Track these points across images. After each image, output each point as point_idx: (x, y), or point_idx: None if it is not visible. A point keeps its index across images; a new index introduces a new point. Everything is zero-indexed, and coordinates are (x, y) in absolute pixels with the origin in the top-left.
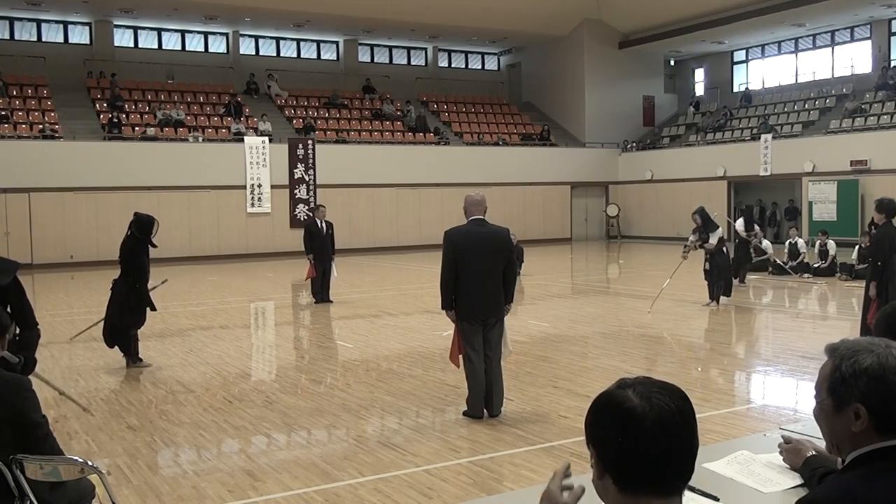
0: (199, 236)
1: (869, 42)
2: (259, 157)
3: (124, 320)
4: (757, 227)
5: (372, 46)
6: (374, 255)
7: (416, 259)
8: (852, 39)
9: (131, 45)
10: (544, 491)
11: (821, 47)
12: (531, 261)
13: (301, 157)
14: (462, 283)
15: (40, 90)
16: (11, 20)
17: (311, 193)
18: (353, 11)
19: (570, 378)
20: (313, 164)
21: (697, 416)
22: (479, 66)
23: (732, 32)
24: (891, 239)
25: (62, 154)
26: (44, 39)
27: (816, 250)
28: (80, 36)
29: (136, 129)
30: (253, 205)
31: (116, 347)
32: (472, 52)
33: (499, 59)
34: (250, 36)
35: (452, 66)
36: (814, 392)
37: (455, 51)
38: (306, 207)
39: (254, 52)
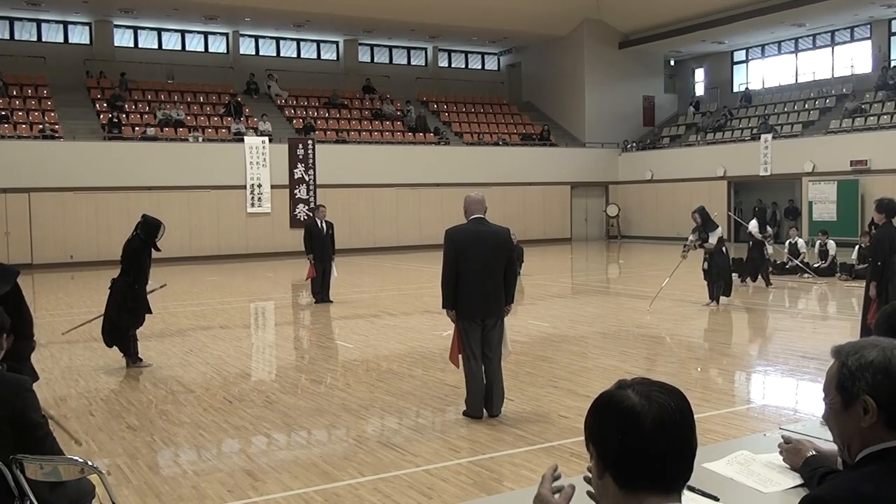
0: (199, 236)
1: (869, 42)
2: (259, 157)
3: (122, 320)
4: (769, 229)
5: (372, 46)
6: (374, 255)
7: (416, 259)
8: (852, 39)
9: (131, 45)
10: (535, 496)
11: (821, 47)
12: (531, 261)
13: (301, 157)
14: (462, 281)
15: (40, 90)
16: (11, 20)
17: (311, 193)
18: (353, 11)
19: (570, 378)
20: (313, 164)
21: (697, 416)
22: (479, 66)
23: (732, 32)
24: (891, 239)
25: (62, 154)
26: (44, 39)
27: (816, 250)
28: (80, 36)
29: (136, 129)
30: (253, 205)
31: (116, 348)
32: (472, 52)
33: (499, 59)
34: (250, 36)
35: (452, 66)
36: (823, 394)
37: (455, 51)
38: (306, 207)
39: (254, 52)
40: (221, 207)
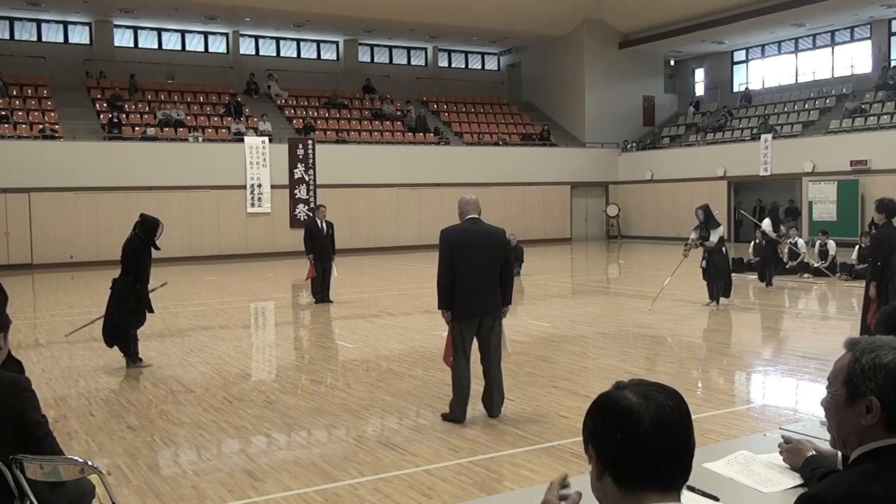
0: (199, 236)
1: (869, 42)
2: (259, 157)
3: (123, 320)
4: (783, 228)
5: (372, 46)
6: (374, 255)
7: (416, 259)
8: (852, 39)
9: (131, 45)
10: (542, 503)
11: (821, 47)
12: (531, 261)
13: (301, 157)
14: (458, 281)
15: (40, 90)
16: (11, 20)
17: (311, 193)
18: (353, 11)
19: (570, 378)
20: (313, 164)
21: (697, 416)
22: (479, 66)
23: (732, 32)
24: (891, 239)
25: (62, 154)
26: (44, 39)
27: (816, 250)
28: (80, 36)
29: (136, 129)
30: (253, 205)
31: (116, 348)
32: (472, 52)
33: (499, 59)
34: (250, 36)
35: (452, 66)
36: (827, 383)
37: (455, 51)
38: (306, 207)
39: (254, 52)
40: (221, 207)
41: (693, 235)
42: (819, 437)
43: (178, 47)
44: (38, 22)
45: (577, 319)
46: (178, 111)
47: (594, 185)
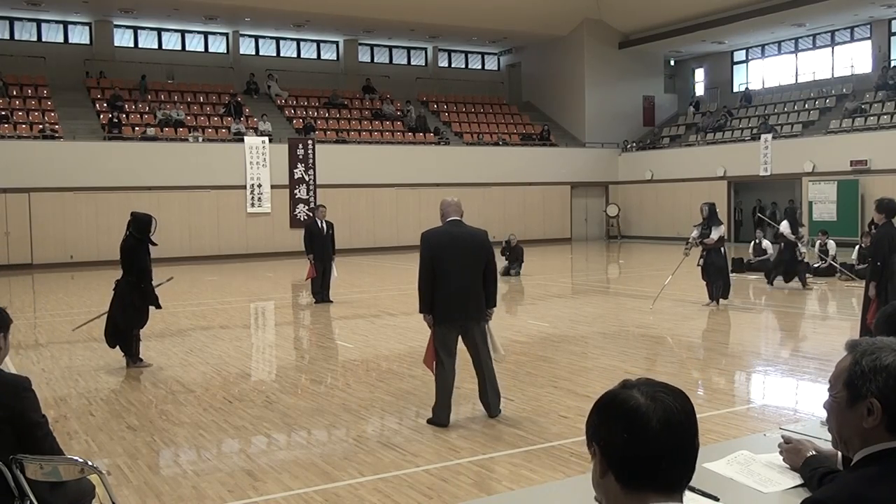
0: (199, 236)
1: (869, 42)
2: (259, 157)
3: (127, 320)
4: (801, 230)
5: (372, 46)
6: (374, 255)
7: (415, 259)
8: (852, 39)
9: (131, 45)
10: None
11: (821, 47)
12: (531, 261)
13: (301, 157)
14: (440, 284)
15: (40, 90)
16: (11, 20)
17: (311, 193)
18: (353, 11)
19: (570, 378)
20: (313, 164)
21: (698, 416)
22: (479, 66)
23: (732, 32)
24: (890, 239)
25: (62, 154)
26: (44, 39)
27: (816, 250)
28: (80, 36)
29: (136, 129)
30: (253, 205)
31: (117, 347)
32: (472, 52)
33: (499, 59)
34: (250, 36)
35: (452, 66)
36: (828, 385)
37: (455, 51)
38: (306, 207)
39: (254, 52)
40: (221, 207)
41: (694, 234)
42: (819, 437)
43: (178, 47)
44: (38, 22)
45: (577, 319)
46: (178, 111)
47: (594, 185)
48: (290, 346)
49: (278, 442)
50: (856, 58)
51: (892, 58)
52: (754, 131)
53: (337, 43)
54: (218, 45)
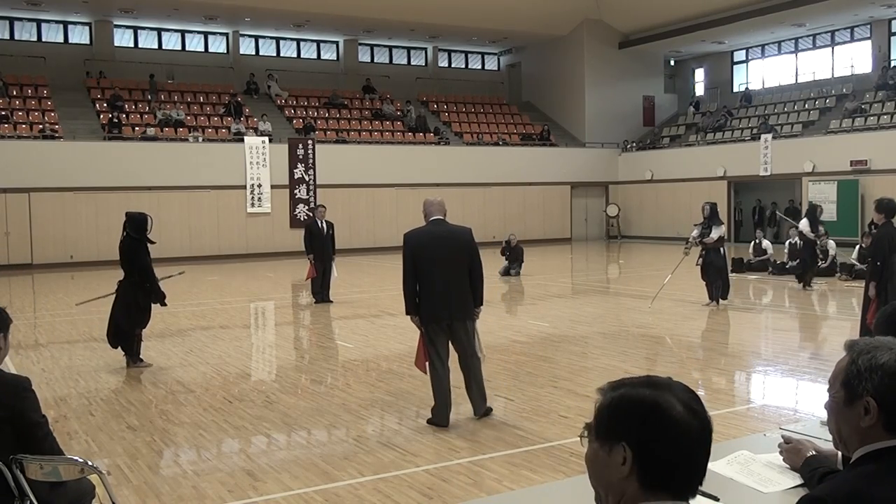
0: (199, 236)
1: (869, 42)
2: (259, 157)
3: (130, 320)
4: (821, 228)
5: (372, 46)
6: (374, 255)
7: None
8: (852, 39)
9: (131, 45)
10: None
11: (821, 47)
12: (531, 261)
13: (301, 157)
14: (423, 284)
15: (40, 90)
16: (11, 20)
17: (311, 193)
18: (353, 11)
19: (570, 378)
20: (313, 164)
21: None
22: (479, 66)
23: (732, 32)
24: (890, 239)
25: (62, 154)
26: (44, 39)
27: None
28: (80, 36)
29: (136, 129)
30: (253, 205)
31: (118, 347)
32: (472, 52)
33: (499, 59)
34: (250, 36)
35: (452, 66)
36: (828, 385)
37: (455, 51)
38: (306, 207)
39: (254, 52)
40: (221, 207)
41: (694, 233)
42: (819, 437)
43: (178, 47)
44: (38, 22)
45: (577, 319)
46: (178, 111)
47: (594, 185)
48: (290, 346)
49: (278, 442)
50: (856, 58)
51: (892, 58)
52: (754, 131)
53: (337, 43)
54: (218, 45)
